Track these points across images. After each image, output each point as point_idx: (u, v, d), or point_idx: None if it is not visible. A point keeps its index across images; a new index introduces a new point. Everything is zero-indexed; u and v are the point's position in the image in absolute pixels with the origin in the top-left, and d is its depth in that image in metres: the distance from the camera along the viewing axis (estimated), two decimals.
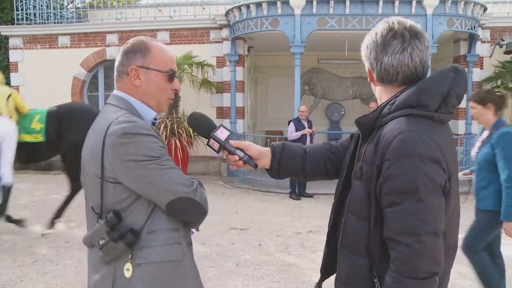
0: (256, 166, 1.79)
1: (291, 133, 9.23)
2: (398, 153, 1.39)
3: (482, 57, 11.54)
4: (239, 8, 10.76)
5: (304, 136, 9.20)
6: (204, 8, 12.41)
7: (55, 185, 10.31)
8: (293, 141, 8.80)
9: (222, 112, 12.11)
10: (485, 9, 10.90)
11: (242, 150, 1.75)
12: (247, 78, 13.21)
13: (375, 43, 1.57)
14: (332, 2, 9.91)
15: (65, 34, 12.71)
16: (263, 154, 1.83)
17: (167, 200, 1.57)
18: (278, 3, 10.08)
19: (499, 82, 11.04)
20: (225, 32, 11.71)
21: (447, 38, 11.41)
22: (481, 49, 11.45)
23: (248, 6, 10.50)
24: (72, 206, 7.98)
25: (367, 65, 1.63)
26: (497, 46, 11.35)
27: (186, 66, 10.91)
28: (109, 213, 1.57)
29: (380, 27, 1.58)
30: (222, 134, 1.67)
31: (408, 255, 1.36)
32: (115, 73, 1.77)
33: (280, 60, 14.07)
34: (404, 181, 1.37)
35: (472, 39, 11.16)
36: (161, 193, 1.56)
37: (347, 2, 9.92)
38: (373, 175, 1.47)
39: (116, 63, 1.75)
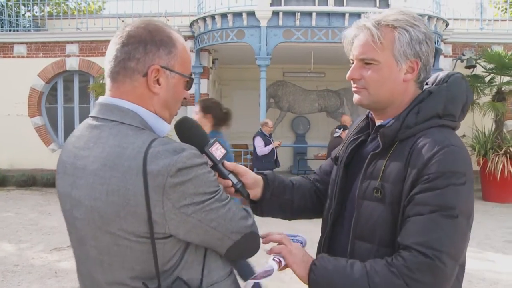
0: (248, 196, 1.47)
1: (261, 148, 8.86)
2: (443, 168, 1.23)
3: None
4: (204, 19, 10.57)
5: (272, 150, 8.98)
6: (168, 19, 12.11)
7: (8, 202, 9.74)
8: (263, 156, 8.59)
9: None
10: (447, 24, 11.08)
11: (235, 175, 1.42)
12: (212, 90, 12.98)
13: (426, 37, 1.36)
14: (299, 14, 9.85)
15: (22, 43, 12.18)
16: (257, 183, 1.53)
17: (230, 242, 1.22)
18: (244, 15, 9.95)
19: None
20: (189, 44, 11.43)
21: None
22: (444, 63, 11.62)
23: (213, 17, 10.33)
24: (24, 224, 7.54)
25: (406, 62, 1.36)
26: (459, 61, 11.56)
27: None
28: (163, 280, 1.17)
29: (414, 20, 1.36)
30: (217, 151, 1.33)
31: (423, 263, 1.18)
32: (115, 70, 1.23)
33: (245, 73, 13.94)
34: (443, 195, 1.21)
35: (435, 53, 11.26)
36: (225, 237, 1.20)
37: (314, 15, 9.88)
38: (402, 194, 1.27)
39: (120, 55, 1.21)
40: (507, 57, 10.42)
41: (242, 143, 14.38)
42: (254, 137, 9.19)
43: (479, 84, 10.86)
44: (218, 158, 1.34)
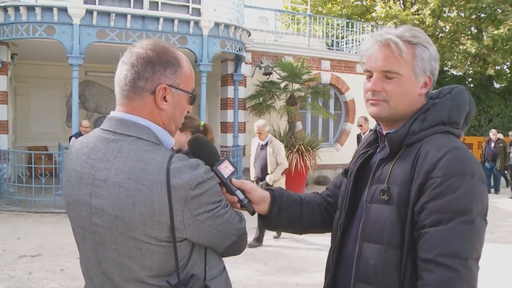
0: (254, 212, 1.59)
1: None
2: (451, 171, 1.29)
3: (246, 77, 12.84)
4: (4, 9, 9.62)
5: None
6: None
7: None
8: None
9: None
10: (249, 34, 12.21)
11: (243, 191, 1.54)
12: (10, 88, 11.83)
13: (437, 56, 1.47)
14: (113, 15, 9.73)
15: None
16: (264, 199, 1.64)
17: (229, 242, 1.41)
18: (55, 10, 9.37)
19: (261, 99, 12.48)
20: None
21: (216, 57, 12.25)
22: (245, 69, 12.73)
23: (17, 8, 9.46)
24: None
25: (423, 77, 1.45)
26: (257, 68, 12.83)
27: None
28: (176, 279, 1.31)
29: (429, 39, 1.46)
30: (226, 169, 1.46)
31: (452, 280, 1.24)
32: (125, 88, 1.36)
33: (43, 70, 13.08)
34: (457, 200, 1.27)
35: (238, 59, 12.32)
36: (226, 238, 1.39)
37: (128, 17, 9.88)
38: (409, 196, 1.34)
39: (130, 74, 1.34)
40: (298, 67, 12.07)
41: (41, 145, 13.43)
42: (69, 138, 8.90)
43: (275, 90, 12.32)
44: (226, 176, 1.46)
